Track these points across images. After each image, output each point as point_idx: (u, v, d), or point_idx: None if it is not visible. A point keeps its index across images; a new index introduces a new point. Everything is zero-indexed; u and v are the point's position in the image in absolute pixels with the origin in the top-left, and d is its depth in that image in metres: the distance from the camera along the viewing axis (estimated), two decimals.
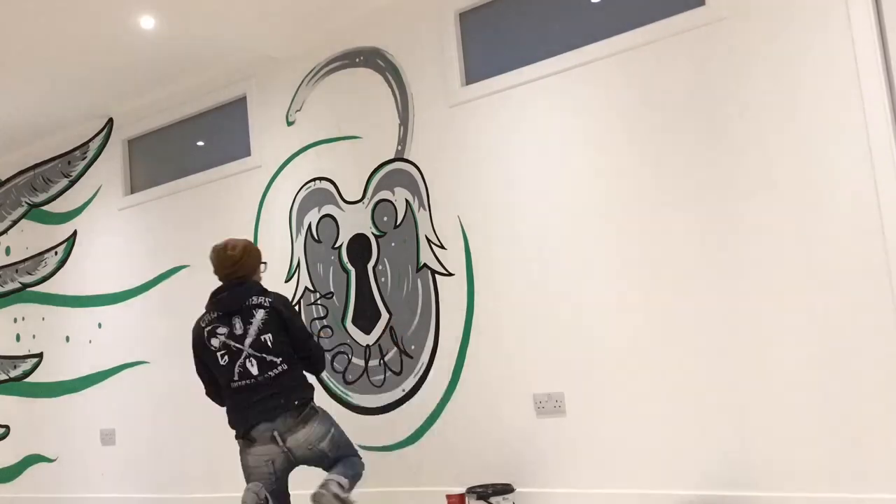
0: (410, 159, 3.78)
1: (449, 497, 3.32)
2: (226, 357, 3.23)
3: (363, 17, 3.97)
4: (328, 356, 3.99)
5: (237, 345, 3.21)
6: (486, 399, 3.48)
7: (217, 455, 4.39)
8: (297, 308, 3.47)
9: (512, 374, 3.40)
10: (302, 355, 3.31)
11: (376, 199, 3.88)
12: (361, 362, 3.88)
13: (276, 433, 3.11)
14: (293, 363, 3.23)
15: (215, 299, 3.33)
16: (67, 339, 5.18)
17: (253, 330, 3.21)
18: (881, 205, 2.61)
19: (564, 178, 3.32)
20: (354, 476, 3.18)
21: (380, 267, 3.85)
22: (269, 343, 3.19)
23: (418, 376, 3.69)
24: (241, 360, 3.21)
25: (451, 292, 3.60)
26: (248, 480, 3.22)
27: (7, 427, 5.53)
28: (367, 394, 3.86)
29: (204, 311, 3.34)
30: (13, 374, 5.48)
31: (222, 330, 3.25)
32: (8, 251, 5.62)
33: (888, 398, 2.59)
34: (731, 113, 2.92)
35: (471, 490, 3.24)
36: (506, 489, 3.22)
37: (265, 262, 3.50)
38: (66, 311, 5.20)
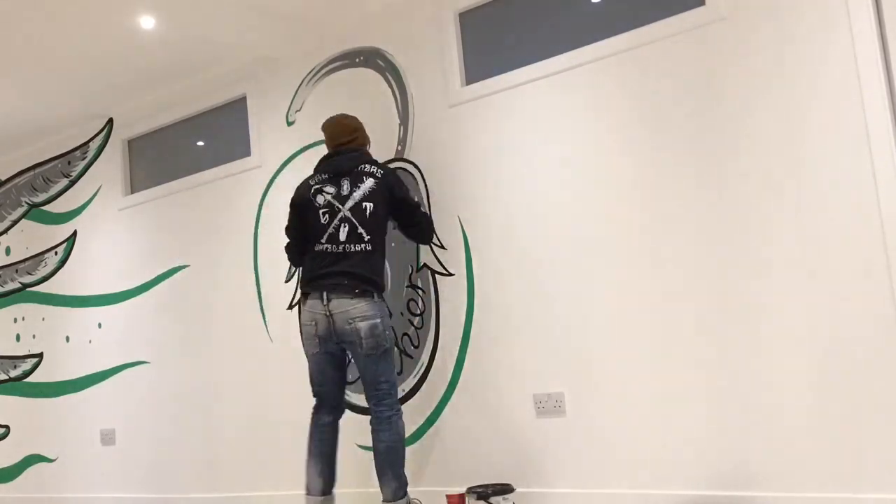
0: (410, 159, 3.78)
1: (449, 497, 3.32)
2: (326, 216, 3.33)
3: (363, 17, 3.97)
4: None
5: (339, 205, 3.31)
6: (486, 399, 3.48)
7: (217, 455, 4.39)
8: (406, 189, 3.47)
9: (512, 374, 3.40)
10: (410, 223, 3.46)
11: None
12: None
13: (325, 293, 3.23)
14: (377, 246, 3.31)
15: (328, 161, 3.45)
16: (67, 339, 5.18)
17: (358, 194, 3.30)
18: (881, 205, 2.61)
19: (564, 177, 3.32)
20: (403, 466, 3.26)
21: None
22: (368, 213, 3.28)
23: (418, 376, 3.69)
24: (335, 221, 3.31)
25: (451, 292, 3.60)
26: (302, 343, 3.42)
27: (7, 427, 5.53)
28: None
29: (313, 172, 3.49)
30: (13, 374, 5.48)
31: (330, 189, 3.36)
32: (8, 251, 5.62)
33: (888, 398, 2.59)
34: (730, 113, 2.92)
35: (471, 490, 3.24)
36: (505, 489, 3.22)
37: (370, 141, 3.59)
38: (66, 311, 5.20)
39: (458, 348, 3.57)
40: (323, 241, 3.31)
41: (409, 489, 3.30)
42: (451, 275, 3.61)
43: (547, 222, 3.35)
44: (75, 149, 5.25)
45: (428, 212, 3.63)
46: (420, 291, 3.71)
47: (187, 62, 4.39)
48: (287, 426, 4.12)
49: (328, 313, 3.23)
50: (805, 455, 2.73)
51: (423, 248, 3.70)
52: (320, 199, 3.36)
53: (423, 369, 3.67)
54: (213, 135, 4.68)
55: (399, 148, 3.82)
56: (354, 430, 3.87)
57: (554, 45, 3.39)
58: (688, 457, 2.97)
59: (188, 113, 4.71)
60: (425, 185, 3.71)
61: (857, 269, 2.65)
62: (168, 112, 4.79)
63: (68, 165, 5.29)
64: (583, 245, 3.25)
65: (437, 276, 3.66)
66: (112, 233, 5.01)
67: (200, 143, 4.75)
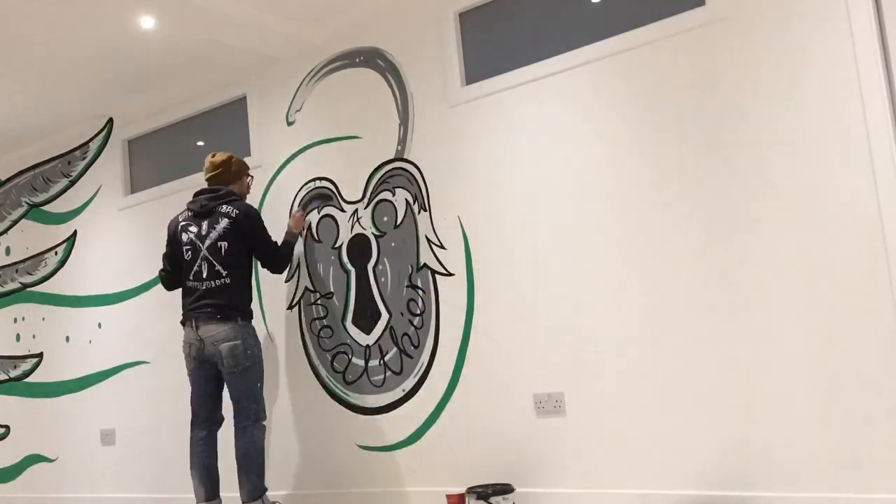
0: (410, 159, 3.78)
1: (449, 497, 3.32)
2: (189, 253, 3.78)
3: (363, 17, 3.97)
4: (328, 356, 3.99)
5: (199, 243, 3.75)
6: (486, 399, 3.48)
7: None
8: (259, 230, 3.82)
9: (512, 374, 3.40)
10: (262, 260, 3.88)
11: (376, 199, 3.88)
12: (361, 362, 3.88)
13: (194, 321, 3.69)
14: (236, 278, 3.73)
15: (193, 200, 3.88)
16: (67, 339, 5.18)
17: (214, 234, 3.73)
18: (881, 205, 2.61)
19: (565, 178, 3.32)
20: (259, 472, 3.65)
21: (380, 267, 3.85)
22: (223, 251, 3.71)
23: (418, 376, 3.69)
24: (199, 260, 3.75)
25: (451, 292, 3.60)
26: (186, 367, 3.80)
27: (7, 427, 5.53)
28: (367, 394, 3.86)
29: (184, 207, 3.91)
30: (13, 374, 5.48)
31: (193, 229, 3.79)
32: (8, 251, 5.62)
33: (888, 398, 2.59)
34: (730, 113, 2.92)
35: (471, 490, 3.24)
36: (505, 489, 3.22)
37: (251, 176, 4.04)
38: (66, 311, 5.20)
39: (458, 348, 3.56)
40: (191, 278, 3.77)
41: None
42: (451, 275, 3.61)
43: (547, 222, 3.35)
44: (75, 149, 5.25)
45: (279, 247, 3.92)
46: (420, 291, 3.71)
47: (187, 62, 4.38)
48: (287, 426, 4.12)
49: (199, 338, 3.68)
50: (805, 455, 2.73)
51: (424, 248, 3.70)
52: (184, 237, 3.80)
53: (423, 369, 3.67)
54: (213, 135, 4.68)
55: (399, 148, 3.82)
56: (354, 429, 3.88)
57: (554, 46, 3.39)
58: (687, 457, 2.97)
59: (188, 113, 4.71)
60: (425, 185, 3.72)
61: (858, 269, 2.65)
62: (168, 112, 4.79)
63: (68, 165, 5.29)
64: (583, 245, 3.25)
65: (437, 276, 3.66)
66: (112, 233, 5.01)
67: (200, 143, 4.75)
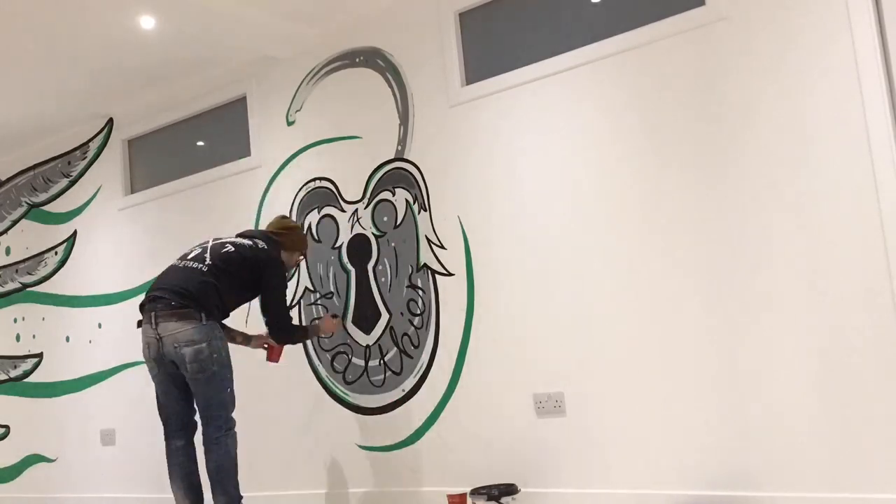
0: (410, 159, 3.78)
1: (450, 497, 3.32)
2: (197, 249, 3.49)
3: (363, 17, 3.97)
4: (328, 356, 3.99)
5: (210, 241, 3.51)
6: (486, 399, 3.48)
7: None
8: (277, 282, 3.54)
9: (512, 374, 3.40)
10: (265, 319, 3.54)
11: (376, 199, 3.88)
12: (361, 362, 3.88)
13: (153, 316, 3.28)
14: (224, 289, 3.37)
15: (246, 229, 3.72)
16: (67, 339, 5.18)
17: (230, 245, 3.46)
18: (881, 205, 2.61)
19: (565, 177, 3.32)
20: (235, 483, 3.37)
21: (380, 267, 3.85)
22: (226, 254, 3.40)
23: (418, 376, 3.69)
24: (195, 247, 3.49)
25: (451, 292, 3.60)
26: (148, 370, 3.43)
27: (7, 427, 5.53)
28: (367, 394, 3.86)
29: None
30: (13, 374, 5.48)
31: (229, 238, 3.55)
32: (8, 251, 5.62)
33: (888, 398, 2.59)
34: (730, 113, 2.92)
35: (477, 491, 3.23)
36: (510, 489, 3.22)
37: (305, 256, 3.85)
38: (66, 311, 5.20)
39: (458, 348, 3.56)
40: (179, 258, 3.49)
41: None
42: (451, 275, 3.61)
43: (547, 222, 3.35)
44: (75, 149, 5.25)
45: (291, 319, 3.77)
46: (420, 291, 3.71)
47: (187, 62, 4.38)
48: (287, 425, 4.12)
49: (157, 336, 3.28)
50: (805, 455, 2.73)
51: (424, 248, 3.70)
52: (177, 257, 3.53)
53: (423, 369, 3.67)
54: (213, 135, 4.68)
55: (399, 148, 3.82)
56: (355, 430, 3.87)
57: (554, 45, 3.39)
58: (688, 457, 2.97)
59: (188, 113, 4.70)
60: (425, 185, 3.72)
61: (858, 269, 2.65)
62: (168, 112, 4.79)
63: (68, 165, 5.29)
64: (583, 245, 3.25)
65: (437, 276, 3.66)
66: (112, 233, 5.01)
67: (200, 143, 4.75)
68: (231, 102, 4.53)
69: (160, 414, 3.47)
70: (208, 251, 3.45)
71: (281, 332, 3.60)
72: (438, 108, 3.70)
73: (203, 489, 3.45)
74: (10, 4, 3.58)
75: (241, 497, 3.41)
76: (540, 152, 3.39)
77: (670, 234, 3.04)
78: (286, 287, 3.62)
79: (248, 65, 4.38)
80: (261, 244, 3.53)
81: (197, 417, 3.45)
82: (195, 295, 3.30)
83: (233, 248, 3.46)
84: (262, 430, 4.16)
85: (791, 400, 2.76)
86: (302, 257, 3.83)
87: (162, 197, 4.76)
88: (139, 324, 3.40)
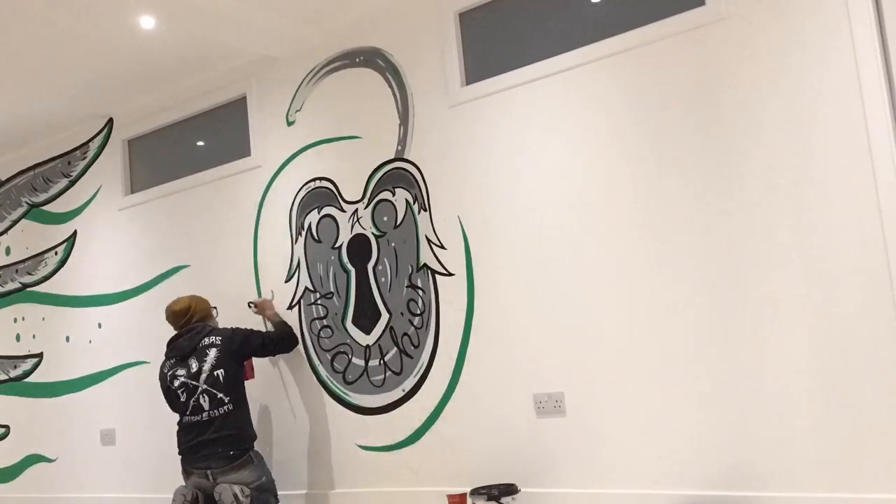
0: (410, 159, 3.78)
1: (450, 497, 3.32)
2: (185, 394, 3.75)
3: (363, 17, 3.97)
4: (328, 356, 3.99)
5: (194, 382, 3.74)
6: (486, 399, 3.48)
7: None
8: (242, 338, 3.88)
9: (512, 374, 3.40)
10: (266, 354, 3.98)
11: (376, 199, 3.89)
12: (361, 362, 3.88)
13: (209, 472, 3.63)
14: (239, 404, 3.75)
15: (172, 346, 3.90)
16: (67, 339, 5.18)
17: (207, 367, 3.73)
18: (881, 205, 2.61)
19: (565, 177, 3.32)
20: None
21: (380, 267, 3.85)
22: (221, 379, 3.71)
23: (418, 376, 3.69)
24: (196, 395, 3.73)
25: (451, 292, 3.60)
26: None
27: (7, 427, 5.53)
28: (367, 394, 3.86)
29: (164, 358, 3.93)
30: (13, 374, 5.48)
31: (181, 372, 3.79)
32: (8, 251, 5.62)
33: (888, 398, 2.59)
34: (731, 113, 2.92)
35: (477, 491, 3.23)
36: (510, 489, 3.22)
37: (215, 308, 4.12)
38: (66, 311, 5.20)
39: (458, 348, 3.56)
40: (188, 413, 3.75)
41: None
42: (451, 275, 3.61)
43: (547, 222, 3.35)
44: (75, 149, 5.25)
45: (273, 335, 3.99)
46: (420, 291, 3.71)
47: (187, 62, 4.38)
48: (287, 426, 4.12)
49: (215, 485, 3.60)
50: (805, 455, 2.73)
51: (424, 248, 3.70)
52: (176, 383, 3.80)
53: (423, 369, 3.67)
54: (213, 135, 4.68)
55: (399, 148, 3.82)
56: (355, 429, 3.87)
57: (554, 46, 3.39)
58: (688, 457, 2.97)
59: (188, 113, 4.70)
60: (425, 185, 3.72)
61: (858, 270, 2.65)
62: (168, 112, 4.79)
63: (68, 165, 5.28)
64: (583, 244, 3.25)
65: (437, 276, 3.66)
66: (112, 233, 5.01)
67: (200, 143, 4.75)
68: (231, 102, 4.53)
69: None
70: (212, 391, 3.71)
71: (279, 347, 3.98)
72: (438, 108, 3.70)
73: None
74: (10, 4, 3.58)
75: None
76: (540, 152, 3.39)
77: (670, 234, 3.04)
78: (243, 329, 3.93)
79: (248, 65, 4.38)
80: (206, 340, 3.80)
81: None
82: (236, 435, 3.69)
83: (216, 369, 3.72)
84: (261, 430, 4.16)
85: (791, 400, 2.76)
86: (214, 309, 4.12)
87: (162, 197, 4.76)
88: (185, 474, 3.76)
